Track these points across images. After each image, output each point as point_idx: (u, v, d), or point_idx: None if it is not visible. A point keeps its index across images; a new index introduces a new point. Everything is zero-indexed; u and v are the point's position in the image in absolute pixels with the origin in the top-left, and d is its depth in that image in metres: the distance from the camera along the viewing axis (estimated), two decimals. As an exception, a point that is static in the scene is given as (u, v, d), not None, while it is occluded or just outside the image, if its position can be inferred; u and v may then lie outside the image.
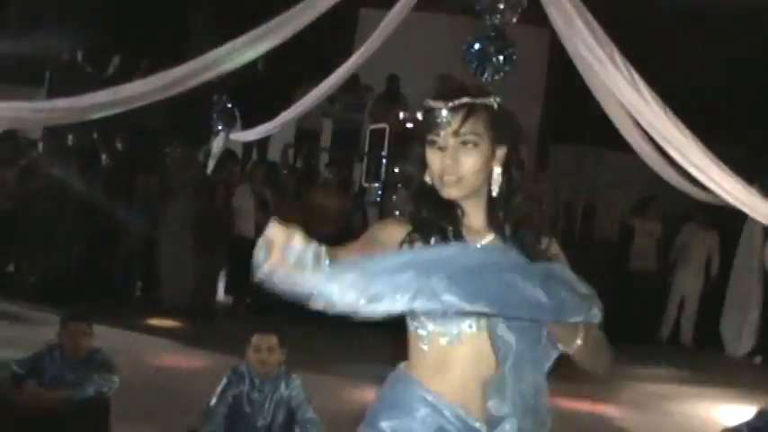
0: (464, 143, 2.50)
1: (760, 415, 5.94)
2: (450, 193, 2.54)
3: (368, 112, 14.01)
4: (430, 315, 2.48)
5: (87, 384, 5.27)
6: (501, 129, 2.55)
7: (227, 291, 11.91)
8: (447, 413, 2.53)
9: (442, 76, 2.71)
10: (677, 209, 12.63)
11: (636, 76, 7.04)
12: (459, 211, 2.59)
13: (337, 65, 10.40)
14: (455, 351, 2.54)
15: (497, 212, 2.60)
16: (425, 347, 2.57)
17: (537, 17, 8.36)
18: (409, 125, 11.63)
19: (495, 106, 2.56)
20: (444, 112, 2.49)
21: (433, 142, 2.53)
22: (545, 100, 15.64)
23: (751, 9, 12.40)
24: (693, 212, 12.38)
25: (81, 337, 5.42)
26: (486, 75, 8.56)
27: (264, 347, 5.22)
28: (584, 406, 8.59)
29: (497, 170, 2.57)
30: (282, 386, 5.22)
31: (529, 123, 14.94)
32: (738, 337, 12.13)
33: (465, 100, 2.51)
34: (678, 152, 6.94)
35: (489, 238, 2.61)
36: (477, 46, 8.43)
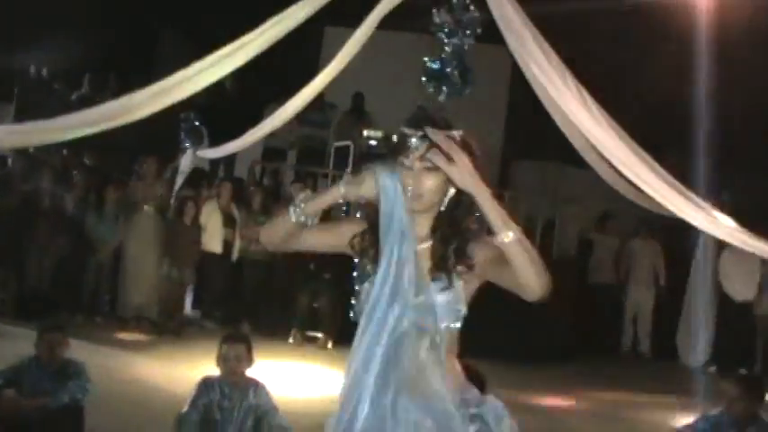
0: (427, 167, 2.96)
1: (704, 418, 6.25)
2: (410, 206, 2.96)
3: (332, 129, 14.22)
4: None
5: (62, 392, 5.46)
6: None
7: (194, 305, 12.08)
8: None
9: (419, 106, 3.13)
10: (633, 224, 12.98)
11: (587, 96, 7.28)
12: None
13: (303, 82, 10.56)
14: None
15: (442, 224, 3.07)
16: None
17: (498, 36, 8.58)
18: (373, 143, 11.87)
19: (458, 138, 2.98)
20: (414, 140, 2.97)
21: (402, 163, 2.99)
22: (507, 117, 15.89)
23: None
24: (638, 226, 12.76)
25: (57, 346, 5.61)
26: (443, 95, 8.81)
27: (232, 356, 5.42)
28: (542, 411, 8.87)
29: (452, 191, 3.02)
30: (251, 394, 5.43)
31: (492, 140, 15.19)
32: (693, 347, 12.45)
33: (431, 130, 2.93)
34: (628, 168, 7.17)
35: (427, 243, 3.07)
36: (433, 66, 8.67)
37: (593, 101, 7.08)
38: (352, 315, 3.09)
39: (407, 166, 2.98)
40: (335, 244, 3.21)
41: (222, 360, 5.44)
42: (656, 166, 7.03)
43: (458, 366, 3.11)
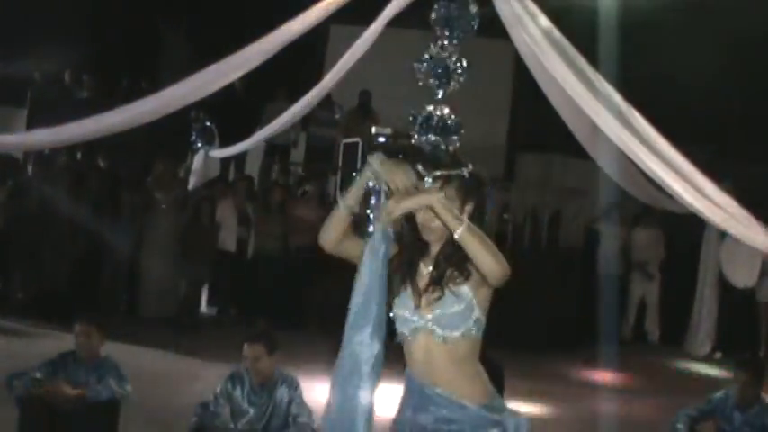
0: None
1: (709, 400, 6.50)
2: (425, 237, 3.42)
3: (340, 126, 14.39)
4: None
5: (103, 388, 5.67)
6: (470, 191, 3.39)
7: (210, 302, 12.30)
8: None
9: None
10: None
11: (607, 86, 7.40)
12: (429, 248, 3.46)
13: (309, 80, 10.72)
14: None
15: (451, 245, 3.35)
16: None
17: (502, 30, 8.75)
18: (382, 139, 12.06)
19: (466, 175, 3.39)
20: (428, 181, 3.34)
21: None
22: (511, 111, 16.05)
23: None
24: (640, 216, 12.93)
25: (93, 341, 5.80)
26: (441, 87, 9.07)
27: (251, 356, 5.58)
28: (549, 399, 9.08)
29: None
30: (283, 388, 5.61)
31: (496, 134, 15.39)
32: (699, 334, 12.64)
33: (443, 172, 3.36)
34: (650, 159, 7.23)
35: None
36: (428, 61, 8.94)
37: (614, 90, 7.18)
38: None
39: None
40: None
41: (243, 359, 5.62)
42: (677, 158, 7.10)
43: (483, 373, 3.47)
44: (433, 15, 9.13)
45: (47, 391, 5.57)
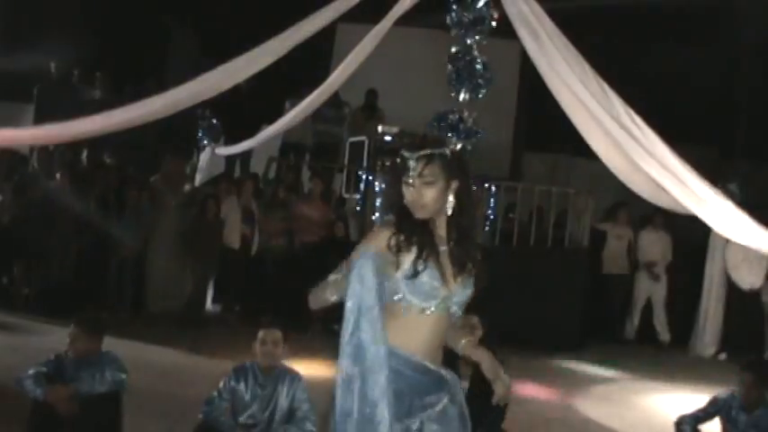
0: (425, 182, 3.47)
1: (714, 401, 6.49)
2: (417, 215, 3.51)
3: (346, 125, 14.40)
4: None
5: (97, 382, 5.65)
6: (453, 169, 3.52)
7: (214, 299, 12.30)
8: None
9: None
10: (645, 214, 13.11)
11: (607, 89, 7.41)
12: (431, 225, 3.54)
13: (316, 79, 10.75)
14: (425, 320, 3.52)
15: (452, 230, 3.59)
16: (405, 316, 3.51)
17: (508, 30, 8.78)
18: (388, 138, 12.07)
19: (449, 153, 3.52)
20: (412, 162, 3.48)
21: (405, 181, 3.49)
22: (518, 111, 16.04)
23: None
24: (651, 217, 12.90)
25: (80, 342, 5.79)
26: (463, 93, 9.09)
27: (270, 341, 5.67)
28: (555, 398, 9.09)
29: (451, 197, 3.54)
30: (286, 383, 5.68)
31: (503, 134, 15.38)
32: (704, 335, 12.63)
33: (425, 152, 3.48)
34: (647, 162, 7.25)
35: (446, 246, 3.56)
36: (452, 68, 8.97)
37: (613, 93, 7.20)
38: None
39: (410, 183, 3.47)
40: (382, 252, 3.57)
41: (260, 344, 5.67)
42: (676, 162, 7.11)
43: None
44: (453, 16, 9.20)
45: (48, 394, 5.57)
